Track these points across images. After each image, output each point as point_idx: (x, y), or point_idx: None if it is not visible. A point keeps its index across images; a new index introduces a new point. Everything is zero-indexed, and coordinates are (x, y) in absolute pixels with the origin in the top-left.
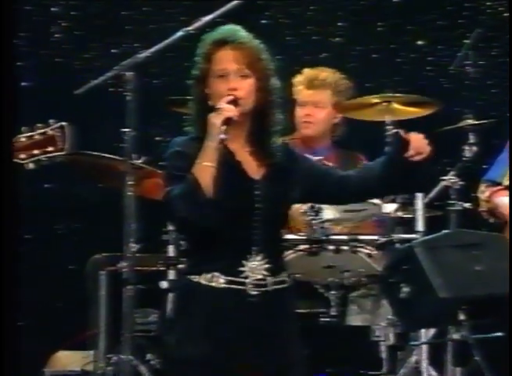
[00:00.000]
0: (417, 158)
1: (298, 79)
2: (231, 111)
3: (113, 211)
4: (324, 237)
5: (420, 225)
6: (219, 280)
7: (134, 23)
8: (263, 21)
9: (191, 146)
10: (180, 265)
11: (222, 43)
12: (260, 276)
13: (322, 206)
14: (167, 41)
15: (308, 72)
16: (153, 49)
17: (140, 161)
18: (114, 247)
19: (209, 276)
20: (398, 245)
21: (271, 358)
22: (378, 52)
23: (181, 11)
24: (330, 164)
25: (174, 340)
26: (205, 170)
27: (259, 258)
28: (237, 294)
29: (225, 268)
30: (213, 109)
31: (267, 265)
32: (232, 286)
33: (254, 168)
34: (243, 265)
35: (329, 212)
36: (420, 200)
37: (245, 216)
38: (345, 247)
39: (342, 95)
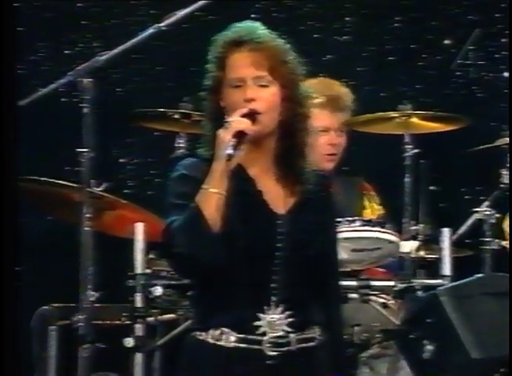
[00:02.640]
0: None
1: (318, 100)
2: (242, 123)
3: (66, 250)
4: None
5: (446, 268)
6: (229, 338)
7: (92, 17)
8: (252, 15)
9: (200, 168)
10: (150, 318)
11: (237, 44)
12: (280, 333)
13: None
14: (133, 40)
15: (322, 87)
16: (116, 50)
17: (100, 189)
18: (67, 296)
19: (217, 332)
20: (420, 293)
21: None
22: (395, 54)
23: (150, 3)
24: None
25: None
26: (211, 198)
27: (279, 309)
28: (252, 355)
29: (236, 322)
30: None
31: (290, 319)
32: (246, 345)
33: (278, 200)
34: (258, 319)
35: None
36: (446, 237)
37: (263, 258)
38: (354, 296)
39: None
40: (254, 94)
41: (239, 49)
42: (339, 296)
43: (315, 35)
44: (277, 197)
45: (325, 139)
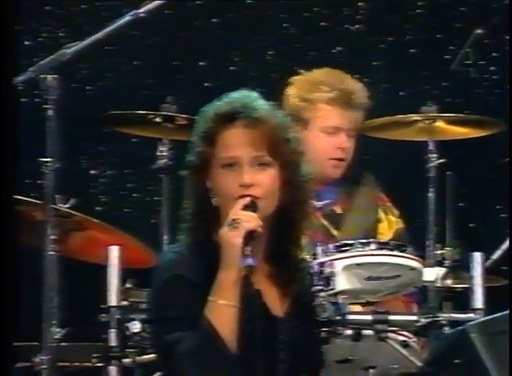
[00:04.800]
0: None
1: (328, 94)
2: (252, 221)
3: (26, 278)
4: (338, 317)
5: (478, 300)
6: None
7: (57, 0)
8: (248, 0)
9: (196, 266)
10: (127, 360)
11: (231, 118)
12: None
13: (336, 270)
14: (106, 30)
15: (332, 79)
16: (86, 41)
17: (67, 206)
18: (28, 333)
19: None
20: (446, 329)
21: None
22: (416, 46)
23: None
24: (342, 210)
25: None
26: (225, 312)
27: None
28: None
29: None
30: (218, 211)
31: None
32: None
33: (275, 301)
34: None
35: (345, 280)
36: (478, 263)
37: (265, 372)
38: (369, 332)
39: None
40: (251, 178)
41: (234, 124)
42: None
43: (321, 23)
44: (272, 297)
45: (333, 141)
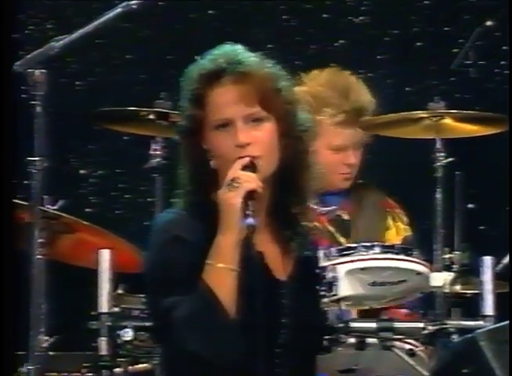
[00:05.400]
0: None
1: (334, 119)
2: (252, 181)
3: (13, 283)
4: (340, 325)
5: (488, 307)
6: None
7: None
8: None
9: (195, 228)
10: (118, 369)
11: (217, 76)
12: None
13: (338, 275)
14: (97, 22)
15: (339, 97)
16: (75, 34)
17: (56, 207)
18: (14, 341)
19: None
20: (454, 337)
21: None
22: (423, 39)
23: None
24: (348, 216)
25: None
26: (224, 276)
27: None
28: None
29: None
30: (216, 173)
31: None
32: None
33: (278, 264)
34: None
35: (347, 285)
36: (488, 268)
37: (267, 341)
38: (373, 341)
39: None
40: (247, 137)
41: (221, 83)
42: None
43: (323, 15)
44: (274, 257)
45: (340, 157)
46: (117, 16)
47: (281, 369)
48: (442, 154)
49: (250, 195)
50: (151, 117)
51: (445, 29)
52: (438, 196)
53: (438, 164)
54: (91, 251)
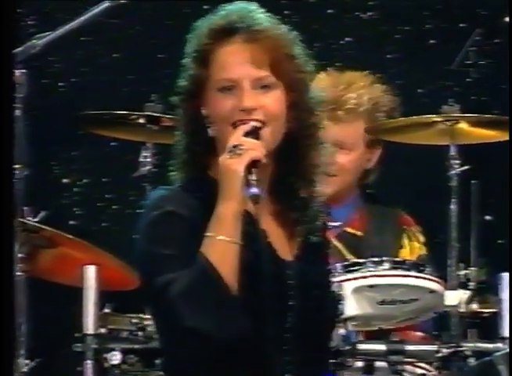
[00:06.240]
0: None
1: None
2: (257, 148)
3: None
4: (347, 347)
5: (507, 327)
6: None
7: None
8: None
9: (189, 203)
10: None
11: (228, 33)
12: None
13: (345, 293)
14: (82, 18)
15: (326, 85)
16: (58, 31)
17: (37, 219)
18: None
19: None
20: (471, 361)
21: None
22: (437, 36)
23: None
24: (358, 232)
25: None
26: (225, 249)
27: None
28: None
29: None
30: (215, 141)
31: None
32: None
33: (283, 243)
34: None
35: (354, 304)
36: (507, 286)
37: (273, 325)
38: (382, 364)
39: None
40: (253, 101)
41: (231, 40)
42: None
43: (328, 10)
44: (279, 238)
45: None
46: (103, 11)
47: (291, 356)
48: (457, 162)
49: (254, 164)
50: (141, 121)
51: (461, 25)
52: (453, 207)
53: (453, 172)
54: (75, 268)
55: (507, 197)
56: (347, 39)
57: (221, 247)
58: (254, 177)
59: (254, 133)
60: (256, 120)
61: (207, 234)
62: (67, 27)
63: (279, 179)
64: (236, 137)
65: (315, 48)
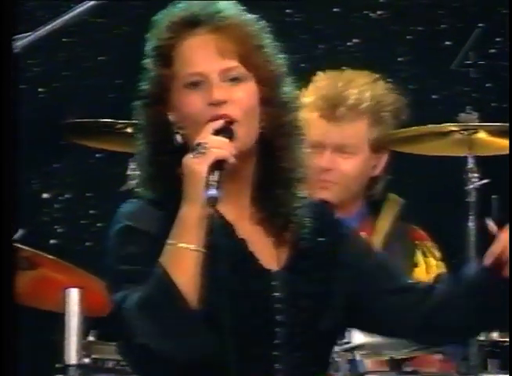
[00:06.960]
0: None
1: (309, 99)
2: (223, 147)
3: None
4: None
5: None
6: None
7: None
8: None
9: (149, 216)
10: None
11: (191, 25)
12: None
13: None
14: (64, 17)
15: (325, 83)
16: (38, 31)
17: (15, 238)
18: None
19: None
20: None
21: None
22: (453, 37)
23: None
24: None
25: None
26: (185, 257)
27: None
28: None
29: None
30: (185, 148)
31: None
32: None
33: (266, 252)
34: None
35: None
36: None
37: (259, 340)
38: None
39: (388, 124)
40: (222, 93)
41: (194, 32)
42: None
43: (334, 9)
44: (265, 247)
45: (316, 159)
46: (88, 9)
47: (280, 371)
48: (475, 175)
49: (219, 164)
50: (129, 130)
51: (479, 25)
52: (471, 224)
53: (471, 186)
54: (56, 291)
55: None
56: (354, 40)
57: (181, 255)
58: (215, 178)
59: (226, 131)
60: (227, 115)
61: (168, 241)
62: (48, 27)
63: (259, 185)
64: (204, 135)
65: (319, 50)
